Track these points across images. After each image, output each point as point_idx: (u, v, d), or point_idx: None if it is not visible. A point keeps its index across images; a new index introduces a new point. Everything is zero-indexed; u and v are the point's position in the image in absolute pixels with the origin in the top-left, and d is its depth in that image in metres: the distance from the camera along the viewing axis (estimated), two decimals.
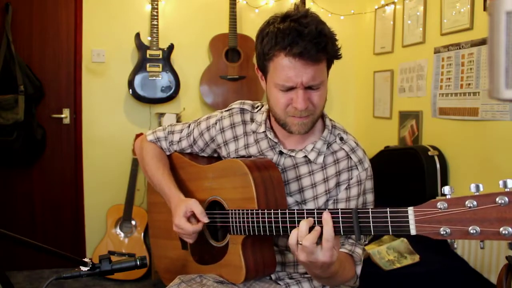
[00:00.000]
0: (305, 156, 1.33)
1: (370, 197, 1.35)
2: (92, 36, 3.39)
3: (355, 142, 1.36)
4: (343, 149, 1.34)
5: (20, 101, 3.08)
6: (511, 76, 0.69)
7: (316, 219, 1.07)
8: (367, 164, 1.34)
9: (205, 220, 1.31)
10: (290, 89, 1.22)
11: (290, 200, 1.34)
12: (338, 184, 1.31)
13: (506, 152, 2.34)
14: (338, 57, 1.27)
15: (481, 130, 2.49)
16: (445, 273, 2.27)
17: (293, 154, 1.34)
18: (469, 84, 2.56)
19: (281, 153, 1.36)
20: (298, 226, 1.07)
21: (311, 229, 1.06)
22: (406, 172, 2.84)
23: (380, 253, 2.39)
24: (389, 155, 3.02)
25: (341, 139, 1.35)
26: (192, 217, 1.33)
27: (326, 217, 1.04)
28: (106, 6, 3.41)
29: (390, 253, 2.39)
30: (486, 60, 2.41)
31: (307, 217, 1.08)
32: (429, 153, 2.73)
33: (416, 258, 2.37)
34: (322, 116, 1.39)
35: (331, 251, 1.04)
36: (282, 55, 1.18)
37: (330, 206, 1.32)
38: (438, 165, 2.70)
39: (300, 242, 1.05)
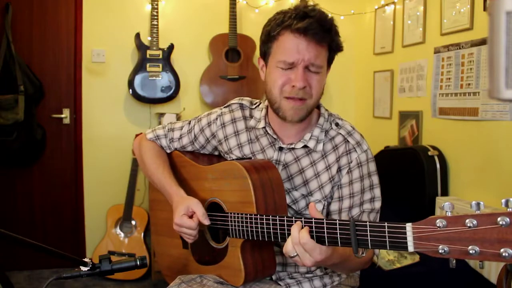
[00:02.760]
0: (305, 146, 1.34)
1: (375, 179, 1.35)
2: (92, 36, 3.39)
3: (351, 126, 1.38)
4: (340, 133, 1.35)
5: (20, 101, 3.08)
6: (511, 76, 0.69)
7: (314, 225, 1.05)
8: (365, 146, 1.35)
9: (206, 222, 1.31)
10: (290, 68, 1.25)
11: (296, 194, 1.34)
12: (339, 169, 1.32)
13: (506, 152, 2.34)
14: (339, 49, 1.31)
15: (481, 130, 2.49)
16: (445, 273, 2.27)
17: (292, 146, 1.35)
18: (469, 84, 2.56)
19: (280, 148, 1.37)
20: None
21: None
22: (406, 172, 2.84)
23: (380, 253, 2.39)
24: (389, 155, 3.02)
25: (337, 124, 1.37)
26: (193, 217, 1.33)
27: (296, 222, 1.06)
28: (106, 6, 3.41)
29: (390, 253, 2.39)
30: (486, 60, 2.41)
31: (304, 224, 1.07)
32: (429, 153, 2.73)
33: (416, 258, 2.37)
34: (318, 107, 1.40)
35: (317, 248, 1.02)
36: (288, 32, 1.23)
37: (335, 194, 1.32)
38: (438, 165, 2.70)
39: (293, 254, 1.05)
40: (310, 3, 1.32)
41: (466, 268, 2.33)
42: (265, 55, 1.32)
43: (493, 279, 2.19)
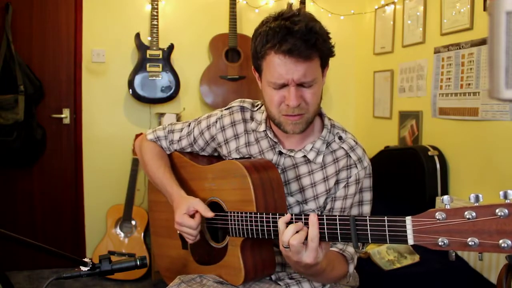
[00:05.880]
0: (304, 156, 1.33)
1: (367, 196, 1.34)
2: (92, 36, 3.39)
3: (354, 141, 1.36)
4: (342, 147, 1.34)
5: (20, 101, 3.08)
6: (511, 76, 0.69)
7: None
8: (366, 162, 1.34)
9: (210, 215, 1.30)
10: (283, 86, 1.22)
11: (291, 200, 1.34)
12: (337, 182, 1.31)
13: (506, 152, 2.34)
14: (331, 54, 1.26)
15: (481, 130, 2.49)
16: (445, 273, 2.27)
17: (292, 154, 1.34)
18: (469, 84, 2.56)
19: (280, 153, 1.36)
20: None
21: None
22: (406, 172, 2.84)
23: (380, 253, 2.39)
24: (389, 155, 3.02)
25: (340, 138, 1.36)
26: (194, 215, 1.33)
27: (313, 218, 1.04)
28: (106, 6, 3.41)
29: (390, 253, 2.39)
30: (486, 60, 2.41)
31: (304, 222, 1.07)
32: (429, 153, 2.73)
33: (416, 258, 2.37)
34: (321, 116, 1.39)
35: (315, 252, 1.04)
36: (273, 53, 1.19)
37: (328, 204, 1.32)
38: (438, 165, 2.70)
39: (286, 245, 1.06)
40: (294, 7, 1.24)
41: (466, 268, 2.33)
42: (257, 70, 1.30)
43: (493, 279, 2.19)
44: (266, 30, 1.20)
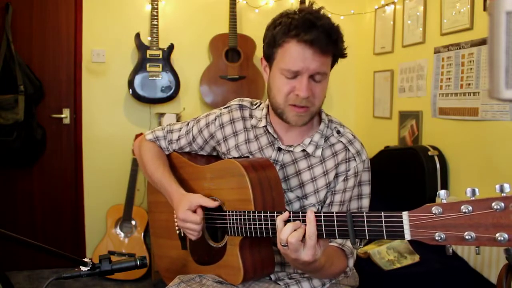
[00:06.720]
0: (303, 150, 1.34)
1: (366, 189, 1.35)
2: (92, 36, 3.39)
3: (352, 135, 1.38)
4: (341, 141, 1.35)
5: (20, 101, 3.08)
6: (511, 76, 0.69)
7: None
8: (364, 156, 1.35)
9: (215, 204, 1.31)
10: (295, 76, 1.25)
11: (291, 195, 1.34)
12: (336, 176, 1.32)
13: (506, 152, 2.34)
14: (343, 55, 1.32)
15: (481, 130, 2.49)
16: (445, 273, 2.27)
17: (291, 149, 1.35)
18: (469, 84, 2.56)
19: (279, 149, 1.37)
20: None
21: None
22: (406, 172, 2.84)
23: (380, 253, 2.39)
24: (389, 155, 3.02)
25: (338, 132, 1.37)
26: (197, 212, 1.33)
27: (310, 216, 1.05)
28: (106, 6, 3.41)
29: (390, 253, 2.39)
30: (486, 60, 2.41)
31: (302, 220, 1.07)
32: (429, 153, 2.73)
33: (416, 258, 2.37)
34: (319, 112, 1.40)
35: (313, 250, 1.04)
36: (294, 41, 1.22)
37: (328, 198, 1.33)
38: (438, 165, 2.70)
39: (285, 244, 1.06)
40: (314, 6, 1.29)
41: (466, 268, 2.33)
42: (268, 58, 1.32)
43: (493, 279, 2.19)
44: (289, 20, 1.23)
